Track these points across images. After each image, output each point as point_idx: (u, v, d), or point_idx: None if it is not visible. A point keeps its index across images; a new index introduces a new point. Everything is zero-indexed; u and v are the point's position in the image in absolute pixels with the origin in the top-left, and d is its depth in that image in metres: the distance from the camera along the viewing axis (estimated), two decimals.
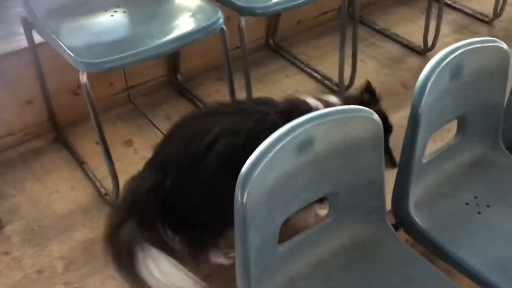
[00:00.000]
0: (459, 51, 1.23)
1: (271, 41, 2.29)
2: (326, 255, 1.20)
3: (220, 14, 1.45)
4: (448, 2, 2.60)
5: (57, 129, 1.81)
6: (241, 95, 1.77)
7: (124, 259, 1.21)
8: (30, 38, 1.52)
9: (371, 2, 2.58)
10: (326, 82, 2.09)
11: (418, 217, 1.29)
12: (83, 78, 1.30)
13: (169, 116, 1.93)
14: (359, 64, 2.06)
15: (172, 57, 2.01)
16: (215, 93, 2.04)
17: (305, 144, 1.04)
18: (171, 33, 1.40)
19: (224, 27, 1.49)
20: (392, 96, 1.98)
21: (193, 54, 2.05)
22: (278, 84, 2.12)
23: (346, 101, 1.33)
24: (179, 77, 2.06)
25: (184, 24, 1.45)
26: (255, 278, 1.04)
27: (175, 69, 2.05)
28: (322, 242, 1.20)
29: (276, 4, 1.55)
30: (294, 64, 2.21)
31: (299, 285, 1.14)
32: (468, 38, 1.88)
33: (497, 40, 1.30)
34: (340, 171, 1.13)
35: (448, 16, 2.53)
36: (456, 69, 1.25)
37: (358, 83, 2.07)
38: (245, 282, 1.03)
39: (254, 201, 0.96)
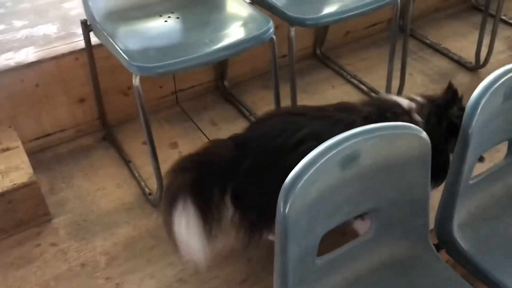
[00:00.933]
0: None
1: (318, 51, 2.29)
2: (365, 271, 1.19)
3: (271, 24, 1.47)
4: (504, 18, 2.52)
5: (106, 127, 1.88)
6: (286, 103, 1.78)
7: (167, 200, 1.26)
8: (87, 40, 1.58)
9: (422, 15, 2.54)
10: (373, 94, 2.07)
11: (461, 239, 1.26)
12: (136, 81, 1.34)
13: (214, 121, 1.97)
14: (407, 77, 2.03)
15: (220, 63, 2.05)
16: (260, 101, 2.06)
17: (350, 159, 1.03)
18: (222, 41, 1.43)
19: (274, 37, 1.51)
20: None
21: (240, 61, 2.08)
22: (324, 94, 2.11)
23: (429, 100, 1.38)
24: (226, 83, 2.09)
25: (235, 33, 1.48)
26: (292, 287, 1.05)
27: (222, 75, 2.08)
28: (361, 257, 1.19)
29: (327, 16, 1.56)
30: (340, 75, 2.20)
31: None
32: None
33: None
34: (384, 187, 1.12)
35: (503, 33, 2.45)
36: (510, 89, 1.22)
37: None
38: None
39: (296, 212, 0.97)
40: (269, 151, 1.26)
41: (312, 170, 0.98)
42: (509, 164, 1.38)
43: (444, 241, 1.29)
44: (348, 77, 2.18)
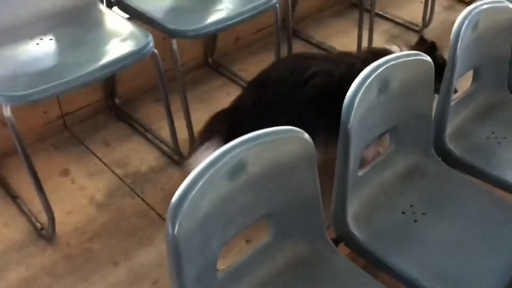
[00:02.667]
0: (385, 66, 1.27)
1: (210, 59, 2.29)
2: (270, 276, 1.19)
3: (150, 38, 1.44)
4: (380, 12, 2.69)
5: None
6: (180, 115, 1.76)
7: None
8: None
9: (307, 16, 2.63)
10: None
11: (356, 230, 1.31)
12: (7, 111, 1.24)
13: (107, 141, 1.89)
14: None
15: (108, 81, 1.97)
16: (155, 115, 2.01)
17: (237, 169, 1.03)
18: (100, 60, 1.37)
19: (156, 51, 1.47)
20: None
21: (129, 77, 2.02)
22: (219, 102, 2.10)
23: (412, 49, 1.56)
24: (117, 100, 2.02)
25: (113, 50, 1.42)
26: None
27: (111, 93, 2.01)
28: (265, 263, 1.19)
29: (207, 26, 1.55)
30: (234, 81, 2.21)
31: None
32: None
33: (421, 53, 1.36)
34: (276, 192, 1.13)
35: (381, 27, 2.61)
36: (383, 83, 1.29)
37: None
38: None
39: (186, 232, 0.95)
40: (286, 86, 1.50)
41: (199, 186, 0.96)
42: (393, 152, 1.47)
43: (342, 234, 1.34)
44: (242, 82, 2.19)
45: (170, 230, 0.93)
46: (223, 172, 1.00)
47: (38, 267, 1.43)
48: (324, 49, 2.42)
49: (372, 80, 1.24)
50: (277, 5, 1.73)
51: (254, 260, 1.18)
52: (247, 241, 1.54)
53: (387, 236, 1.31)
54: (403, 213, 1.37)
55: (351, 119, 1.19)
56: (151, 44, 1.43)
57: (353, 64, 1.50)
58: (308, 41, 2.48)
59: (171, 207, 0.93)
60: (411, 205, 1.39)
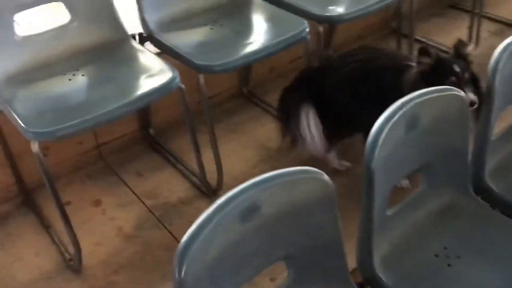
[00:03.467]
0: (413, 102, 1.21)
1: (244, 89, 2.29)
2: None
3: (176, 73, 1.45)
4: (422, 39, 2.61)
5: (25, 192, 1.79)
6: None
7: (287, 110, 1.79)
8: None
9: (346, 43, 2.59)
10: None
11: (383, 274, 1.23)
12: (35, 147, 1.28)
13: (139, 172, 1.91)
14: None
15: (143, 111, 2.01)
16: (187, 145, 2.00)
17: (249, 211, 1.00)
18: (127, 96, 1.40)
19: (182, 86, 1.48)
20: None
21: (164, 107, 2.05)
22: (253, 133, 2.10)
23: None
24: (151, 131, 2.05)
25: (140, 85, 1.45)
26: None
27: (146, 123, 2.04)
28: None
29: (234, 61, 1.55)
30: (268, 112, 2.20)
31: None
32: None
33: (453, 88, 1.29)
34: (292, 234, 1.09)
35: None
36: (412, 119, 1.23)
37: None
38: None
39: (194, 276, 0.92)
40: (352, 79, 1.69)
41: (208, 229, 0.94)
42: (426, 190, 1.39)
43: (368, 278, 1.27)
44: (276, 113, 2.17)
45: (177, 275, 0.91)
46: (234, 215, 0.97)
47: None
48: None
49: (399, 117, 1.18)
50: (308, 37, 1.71)
51: None
52: (271, 279, 1.49)
53: (418, 281, 1.23)
54: (436, 256, 1.29)
55: (375, 158, 1.14)
56: (177, 79, 1.44)
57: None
58: None
59: (178, 251, 0.92)
60: (445, 248, 1.30)
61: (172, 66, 1.49)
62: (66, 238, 1.62)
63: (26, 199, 1.78)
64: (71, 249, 1.58)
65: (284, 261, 1.13)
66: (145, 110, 2.00)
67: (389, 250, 1.29)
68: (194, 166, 1.88)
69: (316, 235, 1.12)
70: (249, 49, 1.59)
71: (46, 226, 1.68)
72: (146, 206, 1.76)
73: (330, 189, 1.09)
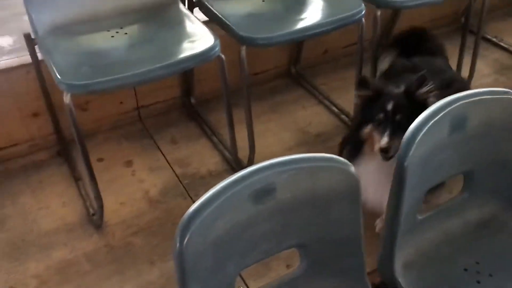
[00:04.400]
0: (460, 102, 1.11)
1: (293, 70, 2.21)
2: None
3: (217, 42, 1.40)
4: (493, 39, 2.41)
5: (62, 143, 1.82)
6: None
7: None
8: (33, 54, 1.53)
9: None
10: (343, 117, 1.98)
11: (404, 279, 1.15)
12: (67, 99, 1.28)
13: (174, 139, 1.90)
14: None
15: (186, 79, 1.98)
16: (225, 120, 1.98)
17: (263, 192, 0.95)
18: (165, 59, 1.36)
19: (222, 56, 1.44)
20: None
21: (209, 77, 2.01)
22: (293, 116, 2.03)
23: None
24: (192, 100, 2.03)
25: (180, 50, 1.42)
26: None
27: (188, 91, 2.02)
28: None
29: (279, 36, 1.48)
30: (313, 95, 2.12)
31: None
32: (509, 80, 1.71)
33: (510, 91, 1.16)
34: (308, 223, 1.03)
35: (492, 55, 2.35)
36: (458, 121, 1.12)
37: None
38: None
39: (195, 249, 0.89)
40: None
41: (216, 204, 0.90)
42: (465, 199, 1.28)
43: (387, 280, 1.19)
44: (321, 97, 2.09)
45: (178, 245, 0.88)
46: (246, 194, 0.93)
47: (81, 252, 1.47)
48: None
49: (443, 116, 1.08)
50: (363, 20, 1.61)
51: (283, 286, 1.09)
52: (288, 266, 1.44)
53: None
54: (465, 270, 1.19)
55: (409, 156, 1.05)
56: (217, 48, 1.40)
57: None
58: None
59: (181, 222, 0.89)
60: (477, 263, 1.20)
61: (217, 36, 1.44)
62: (92, 192, 1.64)
63: (62, 150, 1.82)
64: (96, 204, 1.60)
65: (297, 250, 1.08)
66: (189, 78, 1.98)
67: (413, 255, 1.21)
68: (228, 140, 1.85)
69: (334, 228, 1.06)
70: (297, 25, 1.52)
71: (76, 178, 1.71)
72: (175, 174, 1.75)
73: (356, 182, 1.01)
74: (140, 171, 1.76)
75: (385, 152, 1.31)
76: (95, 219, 1.55)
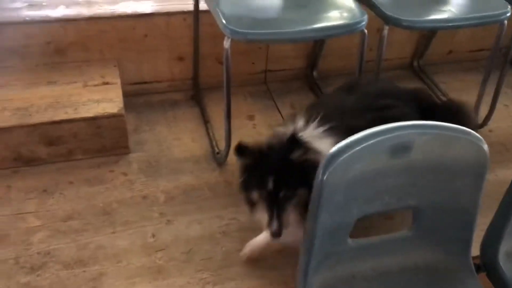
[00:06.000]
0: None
1: (415, 63, 2.27)
2: (395, 267, 1.19)
3: (365, 17, 1.51)
4: None
5: (196, 88, 2.03)
6: None
7: None
8: (196, 4, 1.73)
9: None
10: None
11: (506, 265, 1.21)
12: (227, 43, 1.46)
13: (293, 104, 2.05)
14: (501, 107, 1.96)
15: (314, 53, 2.12)
16: None
17: (401, 148, 1.05)
18: (314, 23, 1.50)
19: (365, 31, 1.54)
20: None
21: (334, 55, 2.14)
22: None
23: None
24: (315, 73, 2.16)
25: (328, 18, 1.54)
26: (317, 259, 1.09)
27: (313, 65, 2.15)
28: (396, 253, 1.19)
29: (424, 21, 1.56)
30: (432, 91, 2.17)
31: (358, 285, 1.16)
32: None
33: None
34: (430, 187, 1.12)
35: None
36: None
37: (495, 125, 1.97)
38: (306, 259, 1.08)
39: (333, 183, 1.01)
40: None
41: (359, 148, 1.01)
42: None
43: (487, 264, 1.25)
44: (439, 94, 2.14)
45: (320, 176, 1.00)
46: (386, 145, 1.03)
47: (204, 180, 1.67)
48: None
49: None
50: (505, 22, 1.64)
51: (387, 245, 1.19)
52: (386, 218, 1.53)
53: None
54: None
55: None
56: (364, 22, 1.51)
57: None
58: None
59: (327, 156, 1.01)
60: None
61: (365, 12, 1.55)
62: (218, 135, 1.83)
63: (195, 95, 2.03)
64: (220, 145, 1.78)
65: (412, 211, 1.17)
66: (316, 53, 2.11)
67: None
68: None
69: (454, 198, 1.13)
70: (442, 15, 1.59)
71: (205, 121, 1.91)
72: None
73: (485, 158, 1.08)
74: (260, 126, 1.93)
75: (277, 236, 1.19)
76: (218, 157, 1.74)
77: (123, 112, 1.66)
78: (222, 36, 1.50)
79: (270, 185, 1.17)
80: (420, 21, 1.57)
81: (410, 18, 1.55)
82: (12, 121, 1.59)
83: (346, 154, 1.01)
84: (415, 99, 1.49)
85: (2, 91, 1.70)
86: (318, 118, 1.26)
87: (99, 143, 1.69)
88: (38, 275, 1.35)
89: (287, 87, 2.13)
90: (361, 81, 1.57)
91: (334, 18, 1.54)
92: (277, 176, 1.17)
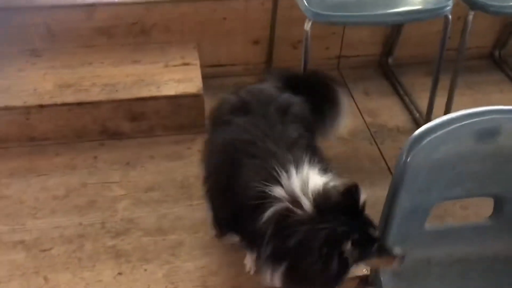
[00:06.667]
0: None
1: (496, 53, 2.18)
2: (473, 256, 1.18)
3: (450, 1, 1.48)
4: None
5: (268, 72, 2.06)
6: (442, 93, 1.78)
7: None
8: None
9: None
10: None
11: None
12: (308, 26, 1.47)
13: (367, 91, 2.04)
14: None
15: (390, 40, 2.09)
16: (419, 85, 2.05)
17: (488, 133, 1.03)
18: (396, 7, 1.49)
19: (449, 16, 1.51)
20: None
21: (410, 43, 2.10)
22: (488, 96, 2.03)
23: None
24: (390, 60, 2.13)
25: (412, 1, 1.52)
26: (393, 241, 1.09)
27: (388, 52, 2.12)
28: (473, 240, 1.18)
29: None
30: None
31: (433, 270, 1.16)
32: None
33: None
34: None
35: None
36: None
37: None
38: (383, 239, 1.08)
39: (416, 165, 1.00)
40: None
41: (443, 131, 1.01)
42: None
43: None
44: None
45: (404, 158, 1.00)
46: (472, 129, 1.02)
47: None
48: None
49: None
50: None
51: (466, 233, 1.17)
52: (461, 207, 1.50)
53: None
54: None
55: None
56: (449, 7, 1.48)
57: None
58: None
59: (412, 137, 1.01)
60: None
61: None
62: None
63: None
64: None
65: (493, 199, 1.14)
66: (392, 39, 2.08)
67: None
68: (420, 103, 1.93)
69: None
70: None
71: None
72: (364, 121, 1.89)
73: None
74: None
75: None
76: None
77: (201, 92, 1.73)
78: (298, 20, 1.52)
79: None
80: (509, 7, 1.51)
81: (497, 3, 1.50)
82: (101, 96, 1.70)
83: (430, 137, 1.01)
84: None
85: (91, 67, 1.81)
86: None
87: (178, 121, 1.77)
88: (122, 240, 1.44)
89: (360, 74, 2.12)
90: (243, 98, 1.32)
91: (418, 1, 1.51)
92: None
